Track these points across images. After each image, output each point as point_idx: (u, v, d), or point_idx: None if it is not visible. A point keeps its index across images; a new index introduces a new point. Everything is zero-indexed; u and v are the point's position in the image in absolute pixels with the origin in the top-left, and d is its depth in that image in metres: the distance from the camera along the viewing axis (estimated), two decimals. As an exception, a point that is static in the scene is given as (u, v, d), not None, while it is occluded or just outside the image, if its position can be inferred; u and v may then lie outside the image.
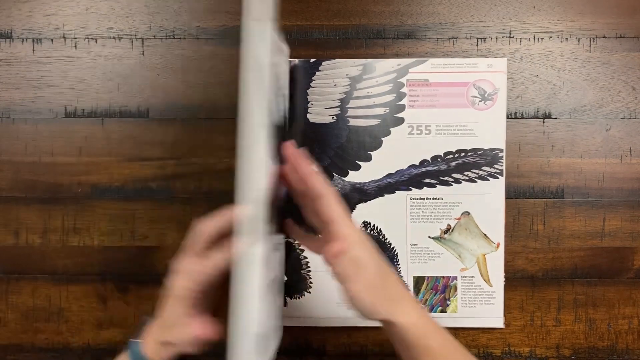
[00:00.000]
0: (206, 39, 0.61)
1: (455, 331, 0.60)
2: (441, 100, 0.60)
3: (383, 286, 0.44)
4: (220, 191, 0.62)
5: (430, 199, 0.60)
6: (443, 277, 0.61)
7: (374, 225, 0.61)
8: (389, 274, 0.45)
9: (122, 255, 0.62)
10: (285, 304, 0.61)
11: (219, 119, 0.61)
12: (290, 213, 0.50)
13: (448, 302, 0.61)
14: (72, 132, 0.62)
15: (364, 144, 0.60)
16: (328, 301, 0.61)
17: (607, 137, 0.60)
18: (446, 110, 0.60)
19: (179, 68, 0.61)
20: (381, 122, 0.60)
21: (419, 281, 0.61)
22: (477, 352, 0.60)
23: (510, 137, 0.60)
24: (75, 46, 0.62)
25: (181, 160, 0.62)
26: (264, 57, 0.38)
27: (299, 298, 0.61)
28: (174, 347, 0.44)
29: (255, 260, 0.39)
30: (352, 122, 0.60)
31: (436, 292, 0.61)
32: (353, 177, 0.61)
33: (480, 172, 0.60)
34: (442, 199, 0.60)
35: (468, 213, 0.60)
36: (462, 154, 0.60)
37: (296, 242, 0.60)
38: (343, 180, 0.61)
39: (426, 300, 0.61)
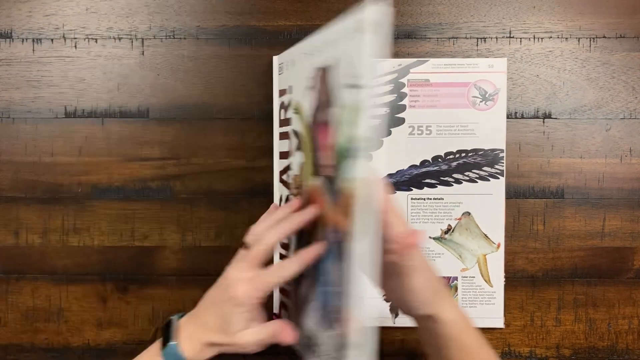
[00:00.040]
0: (206, 39, 0.61)
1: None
2: (442, 100, 0.60)
3: (437, 281, 0.46)
4: (220, 191, 0.62)
5: (430, 199, 0.60)
6: (444, 277, 0.61)
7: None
8: (435, 271, 0.47)
9: (122, 255, 0.62)
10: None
11: (219, 119, 0.61)
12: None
13: (448, 302, 0.61)
14: (72, 132, 0.62)
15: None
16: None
17: (607, 137, 0.60)
18: (447, 110, 0.60)
19: (179, 68, 0.61)
20: (382, 122, 0.60)
21: (419, 281, 0.61)
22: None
23: (510, 137, 0.60)
24: (75, 46, 0.62)
25: (181, 160, 0.62)
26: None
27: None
28: (221, 349, 0.47)
29: None
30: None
31: (436, 292, 0.61)
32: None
33: (481, 173, 0.60)
34: (443, 199, 0.60)
35: (469, 213, 0.60)
36: (463, 155, 0.60)
37: None
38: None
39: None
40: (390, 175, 0.61)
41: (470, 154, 0.60)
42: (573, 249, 0.60)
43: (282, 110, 0.57)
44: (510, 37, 0.60)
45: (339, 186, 0.42)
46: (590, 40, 0.60)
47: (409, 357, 0.61)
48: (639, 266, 0.60)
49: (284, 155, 0.57)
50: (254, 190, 0.61)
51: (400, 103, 0.60)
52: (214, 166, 0.62)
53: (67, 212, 0.62)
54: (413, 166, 0.60)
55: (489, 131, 0.60)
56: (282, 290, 0.58)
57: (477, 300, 0.60)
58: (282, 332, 0.49)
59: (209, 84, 0.61)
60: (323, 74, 0.45)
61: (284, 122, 0.56)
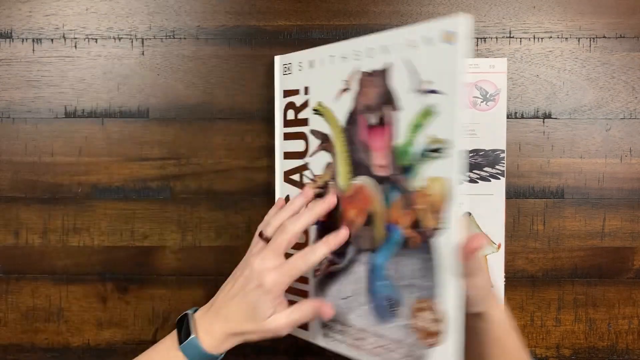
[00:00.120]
0: (206, 39, 0.61)
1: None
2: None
3: (489, 281, 0.48)
4: (220, 191, 0.62)
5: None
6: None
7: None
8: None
9: (122, 255, 0.62)
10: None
11: (219, 119, 0.61)
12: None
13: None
14: (72, 132, 0.62)
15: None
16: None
17: (607, 137, 0.60)
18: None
19: (179, 68, 0.61)
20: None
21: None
22: None
23: (510, 137, 0.60)
24: (75, 46, 0.62)
25: (181, 160, 0.62)
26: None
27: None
28: (245, 337, 0.49)
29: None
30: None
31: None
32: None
33: (482, 173, 0.60)
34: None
35: (469, 214, 0.60)
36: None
37: None
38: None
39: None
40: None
41: (471, 155, 0.60)
42: (573, 249, 0.60)
43: (291, 111, 0.57)
44: (510, 37, 0.60)
45: (408, 185, 0.45)
46: (590, 40, 0.60)
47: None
48: (639, 266, 0.60)
49: (290, 155, 0.57)
50: (254, 190, 0.61)
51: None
52: (214, 166, 0.62)
53: (67, 212, 0.62)
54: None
55: (489, 132, 0.60)
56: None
57: (477, 300, 0.60)
58: (322, 307, 0.50)
59: (209, 84, 0.61)
60: (377, 78, 0.47)
61: (294, 123, 0.56)
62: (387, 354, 0.48)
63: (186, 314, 0.51)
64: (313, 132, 0.54)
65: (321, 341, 0.54)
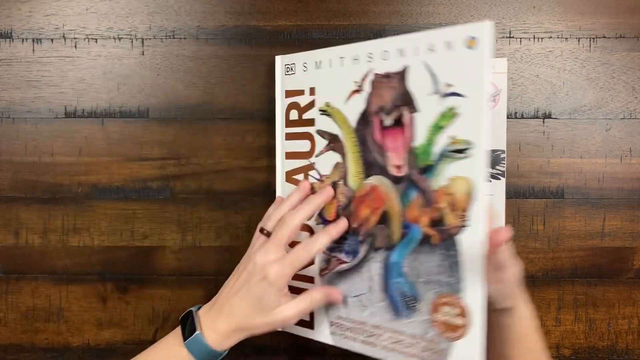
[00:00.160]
0: (206, 39, 0.61)
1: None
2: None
3: (518, 276, 0.47)
4: (220, 191, 0.62)
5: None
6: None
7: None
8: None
9: (122, 255, 0.62)
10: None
11: (219, 119, 0.61)
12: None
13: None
14: (72, 132, 0.62)
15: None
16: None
17: (607, 137, 0.60)
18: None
19: (179, 68, 0.61)
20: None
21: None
22: (477, 352, 0.60)
23: (510, 137, 0.60)
24: (75, 46, 0.62)
25: (181, 160, 0.62)
26: None
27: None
28: (251, 332, 0.50)
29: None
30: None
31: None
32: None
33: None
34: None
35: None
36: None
37: None
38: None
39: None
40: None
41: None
42: (573, 249, 0.60)
43: (294, 111, 0.57)
44: (510, 37, 0.60)
45: (429, 184, 0.47)
46: (590, 40, 0.60)
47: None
48: (639, 266, 0.60)
49: (293, 155, 0.57)
50: (254, 190, 0.61)
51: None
52: (214, 166, 0.62)
53: (67, 212, 0.62)
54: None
55: (490, 132, 0.59)
56: None
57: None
58: (331, 293, 0.52)
59: (209, 84, 0.61)
60: (393, 80, 0.48)
61: (297, 123, 0.56)
62: (404, 349, 0.49)
63: (190, 311, 0.52)
64: (320, 132, 0.54)
65: (329, 339, 0.54)
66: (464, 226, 0.45)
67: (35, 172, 0.62)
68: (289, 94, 0.57)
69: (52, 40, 0.62)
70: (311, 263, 0.55)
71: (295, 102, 0.57)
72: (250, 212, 0.61)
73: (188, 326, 0.50)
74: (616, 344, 0.61)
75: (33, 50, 0.62)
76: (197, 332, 0.49)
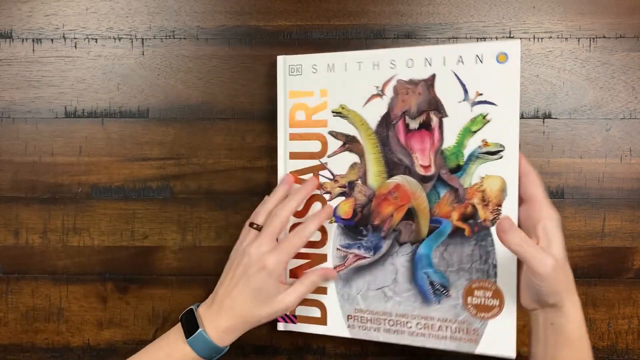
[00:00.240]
0: (206, 39, 0.61)
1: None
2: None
3: (564, 272, 0.47)
4: (220, 191, 0.62)
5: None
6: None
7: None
8: (569, 266, 0.48)
9: (122, 255, 0.62)
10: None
11: (219, 119, 0.61)
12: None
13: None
14: (72, 132, 0.62)
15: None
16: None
17: (607, 137, 0.60)
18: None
19: (179, 68, 0.61)
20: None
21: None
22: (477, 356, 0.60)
23: (510, 137, 0.60)
24: (75, 46, 0.62)
25: (181, 160, 0.62)
26: None
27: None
28: (251, 324, 0.51)
29: None
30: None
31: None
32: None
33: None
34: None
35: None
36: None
37: None
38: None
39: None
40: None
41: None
42: (573, 249, 0.60)
43: (300, 112, 0.58)
44: (510, 37, 0.60)
45: (459, 183, 0.53)
46: (590, 40, 0.60)
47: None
48: (639, 266, 0.60)
49: (299, 155, 0.58)
50: (254, 190, 0.61)
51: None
52: (214, 166, 0.62)
53: (67, 212, 0.62)
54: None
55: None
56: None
57: (478, 300, 0.61)
58: (327, 273, 0.55)
59: (209, 84, 0.61)
60: (420, 87, 0.53)
61: (305, 124, 0.58)
62: (435, 332, 0.54)
63: (191, 309, 0.52)
64: (333, 133, 0.57)
65: (346, 333, 0.57)
66: (496, 219, 0.51)
67: (35, 172, 0.62)
68: (293, 94, 0.58)
69: (52, 40, 0.62)
70: (324, 260, 0.58)
71: (303, 103, 0.57)
72: (250, 212, 0.61)
73: (189, 324, 0.51)
74: (616, 344, 0.61)
75: (33, 50, 0.62)
76: (199, 330, 0.49)
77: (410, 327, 0.55)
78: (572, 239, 0.60)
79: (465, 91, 0.52)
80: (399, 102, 0.54)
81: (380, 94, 0.55)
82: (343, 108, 0.56)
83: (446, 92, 0.53)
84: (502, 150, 0.51)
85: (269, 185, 0.60)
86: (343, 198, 0.57)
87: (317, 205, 0.57)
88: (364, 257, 0.56)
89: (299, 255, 0.57)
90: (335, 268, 0.57)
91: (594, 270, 0.60)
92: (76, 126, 0.62)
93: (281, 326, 0.59)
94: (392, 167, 0.55)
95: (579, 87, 0.60)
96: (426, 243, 0.54)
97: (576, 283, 0.61)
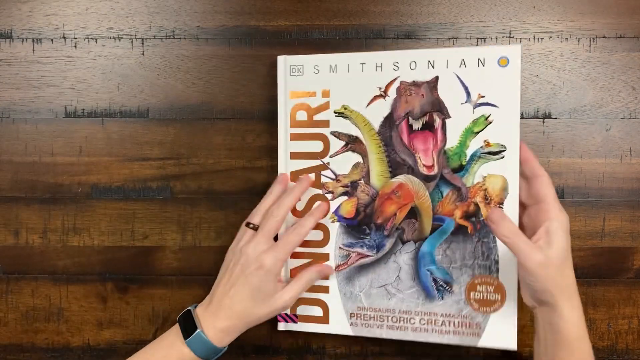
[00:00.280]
0: (206, 39, 0.61)
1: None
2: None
3: (565, 274, 0.48)
4: (220, 191, 0.62)
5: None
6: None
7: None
8: (571, 268, 0.49)
9: (122, 255, 0.62)
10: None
11: (219, 119, 0.61)
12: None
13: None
14: (72, 132, 0.62)
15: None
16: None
17: (607, 137, 0.60)
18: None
19: (179, 68, 0.61)
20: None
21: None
22: (477, 352, 0.60)
23: (510, 137, 0.60)
24: (75, 46, 0.62)
25: (181, 160, 0.62)
26: None
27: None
28: (249, 323, 0.51)
29: None
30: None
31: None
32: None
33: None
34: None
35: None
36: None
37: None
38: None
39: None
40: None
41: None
42: (573, 249, 0.60)
43: (302, 112, 0.58)
44: (510, 37, 0.60)
45: (462, 182, 0.54)
46: (590, 40, 0.60)
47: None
48: (639, 266, 0.60)
49: (300, 155, 0.58)
50: (254, 190, 0.61)
51: (400, 103, 0.61)
52: (214, 166, 0.62)
53: (67, 212, 0.62)
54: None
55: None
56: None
57: (477, 300, 0.61)
58: (322, 269, 0.56)
59: (209, 84, 0.61)
60: (423, 88, 0.55)
61: (307, 124, 0.58)
62: (438, 327, 0.55)
63: (188, 310, 0.52)
64: (335, 133, 0.57)
65: (349, 331, 0.58)
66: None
67: (35, 172, 0.62)
68: (294, 94, 0.58)
69: (52, 40, 0.62)
70: (326, 259, 0.58)
71: (304, 103, 0.58)
72: (250, 212, 0.61)
73: (187, 324, 0.51)
74: (616, 344, 0.61)
75: (33, 50, 0.62)
76: (198, 330, 0.49)
77: (414, 323, 0.56)
78: (572, 239, 0.60)
79: (468, 93, 0.54)
80: (402, 103, 0.55)
81: (383, 95, 0.56)
82: (345, 109, 0.57)
83: (449, 93, 0.54)
84: (503, 151, 0.53)
85: (269, 185, 0.60)
86: (345, 197, 0.57)
87: (324, 207, 0.58)
88: (367, 256, 0.57)
89: (301, 255, 0.58)
90: (338, 267, 0.58)
91: (594, 270, 0.60)
92: (76, 126, 0.62)
93: (282, 326, 0.59)
94: (395, 166, 0.56)
95: (579, 87, 0.60)
96: (429, 241, 0.56)
97: (576, 283, 0.61)
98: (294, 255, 0.58)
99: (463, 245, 0.55)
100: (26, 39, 0.62)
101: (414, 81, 0.55)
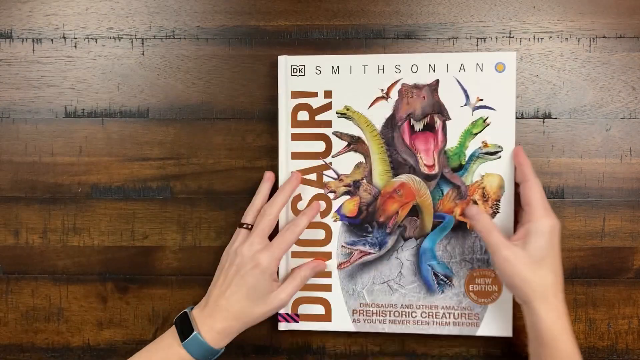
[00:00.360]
0: (206, 39, 0.61)
1: (456, 331, 0.60)
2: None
3: (538, 274, 0.49)
4: (220, 191, 0.62)
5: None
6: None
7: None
8: (550, 270, 0.50)
9: (122, 255, 0.62)
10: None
11: (219, 119, 0.61)
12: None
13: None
14: (72, 132, 0.62)
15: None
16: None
17: (607, 137, 0.60)
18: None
19: (179, 68, 0.61)
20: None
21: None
22: (477, 352, 0.60)
23: (510, 137, 0.60)
24: (75, 46, 0.62)
25: (181, 160, 0.62)
26: None
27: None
28: (246, 324, 0.52)
29: None
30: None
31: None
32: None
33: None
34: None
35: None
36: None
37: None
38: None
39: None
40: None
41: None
42: (573, 249, 0.60)
43: (303, 112, 0.58)
44: (510, 37, 0.60)
45: (462, 181, 0.57)
46: (590, 40, 0.60)
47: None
48: (639, 266, 0.60)
49: (302, 155, 0.59)
50: (254, 190, 0.61)
51: (400, 103, 0.61)
52: (214, 166, 0.62)
53: (67, 212, 0.62)
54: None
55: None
56: None
57: (478, 300, 0.62)
58: (317, 265, 0.57)
59: (209, 84, 0.61)
60: (425, 91, 0.57)
61: (308, 124, 0.58)
62: (439, 319, 0.58)
63: (185, 312, 0.52)
64: (337, 134, 0.58)
65: (351, 327, 0.59)
66: (496, 213, 0.57)
67: (35, 172, 0.62)
68: (296, 94, 0.58)
69: (52, 40, 0.62)
70: (329, 257, 0.59)
71: (306, 104, 0.58)
72: (250, 212, 0.61)
73: (183, 326, 0.50)
74: (616, 344, 0.61)
75: (33, 50, 0.62)
76: (194, 332, 0.49)
77: (415, 316, 0.58)
78: (572, 239, 0.60)
79: (467, 96, 0.57)
80: (404, 105, 0.57)
81: (385, 96, 0.57)
82: (348, 109, 0.58)
83: (449, 96, 0.57)
84: (500, 151, 0.57)
85: (269, 185, 0.60)
86: (348, 197, 0.58)
87: (321, 205, 0.58)
88: (370, 253, 0.58)
89: (302, 254, 0.58)
90: (340, 265, 0.58)
91: (594, 270, 0.60)
92: (76, 126, 0.62)
93: (282, 326, 0.59)
94: (397, 166, 0.58)
95: (579, 87, 0.60)
96: (430, 237, 0.58)
97: (576, 283, 0.61)
98: (297, 254, 0.58)
99: (462, 241, 0.58)
100: (26, 39, 0.62)
101: (415, 84, 0.57)
